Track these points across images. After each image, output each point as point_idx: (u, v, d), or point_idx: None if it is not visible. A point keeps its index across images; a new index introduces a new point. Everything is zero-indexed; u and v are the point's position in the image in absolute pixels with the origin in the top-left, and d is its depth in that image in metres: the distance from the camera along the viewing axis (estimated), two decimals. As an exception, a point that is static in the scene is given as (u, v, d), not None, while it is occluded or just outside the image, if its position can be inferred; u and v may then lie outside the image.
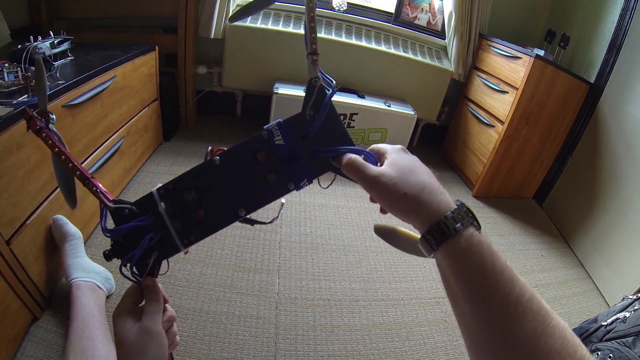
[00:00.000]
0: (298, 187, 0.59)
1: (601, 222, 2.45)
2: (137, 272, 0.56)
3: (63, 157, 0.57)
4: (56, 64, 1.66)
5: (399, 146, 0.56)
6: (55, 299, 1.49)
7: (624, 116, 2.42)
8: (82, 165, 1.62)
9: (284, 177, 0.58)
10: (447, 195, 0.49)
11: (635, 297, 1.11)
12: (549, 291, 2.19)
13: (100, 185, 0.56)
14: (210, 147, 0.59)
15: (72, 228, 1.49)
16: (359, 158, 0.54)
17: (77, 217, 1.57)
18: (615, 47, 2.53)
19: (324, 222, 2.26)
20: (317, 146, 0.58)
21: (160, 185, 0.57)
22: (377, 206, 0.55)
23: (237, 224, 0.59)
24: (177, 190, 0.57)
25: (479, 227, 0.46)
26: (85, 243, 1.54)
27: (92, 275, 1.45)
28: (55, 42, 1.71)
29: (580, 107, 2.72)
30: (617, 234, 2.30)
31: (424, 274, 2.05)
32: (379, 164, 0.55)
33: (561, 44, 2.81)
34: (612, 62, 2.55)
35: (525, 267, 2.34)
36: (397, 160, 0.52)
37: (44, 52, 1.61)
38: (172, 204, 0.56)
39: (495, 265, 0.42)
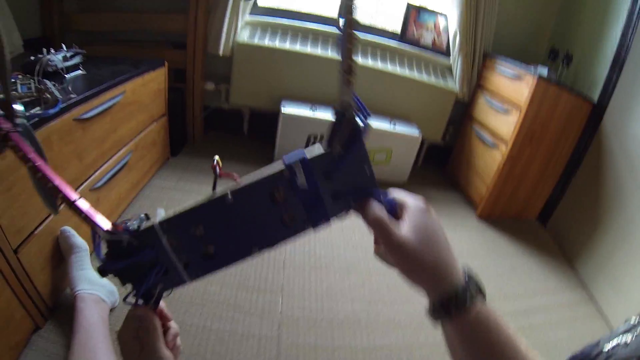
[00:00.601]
0: (316, 228, 0.57)
1: (605, 243, 2.44)
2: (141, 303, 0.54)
3: (39, 174, 0.50)
4: (68, 77, 1.68)
5: (421, 204, 0.55)
6: (59, 309, 1.49)
7: (626, 135, 2.43)
8: (94, 175, 1.65)
9: (301, 217, 0.55)
10: (458, 265, 0.52)
11: (638, 320, 1.10)
12: (551, 314, 2.16)
13: (89, 210, 0.51)
14: (216, 158, 0.56)
15: (79, 240, 1.50)
16: (385, 217, 0.53)
17: (84, 229, 1.57)
18: (617, 64, 2.55)
19: (328, 242, 2.26)
20: (340, 185, 0.55)
21: (164, 215, 0.52)
22: None
23: None
24: (183, 224, 0.53)
25: (484, 297, 0.50)
26: (91, 255, 1.55)
27: (97, 288, 1.45)
28: (68, 55, 1.74)
29: (583, 126, 2.73)
30: (621, 255, 2.29)
31: (419, 299, 2.04)
32: (400, 221, 0.54)
33: (564, 62, 2.83)
34: (614, 80, 2.56)
35: (528, 290, 2.32)
36: (420, 226, 0.53)
37: (56, 65, 1.63)
38: (178, 238, 0.53)
39: (500, 338, 0.47)
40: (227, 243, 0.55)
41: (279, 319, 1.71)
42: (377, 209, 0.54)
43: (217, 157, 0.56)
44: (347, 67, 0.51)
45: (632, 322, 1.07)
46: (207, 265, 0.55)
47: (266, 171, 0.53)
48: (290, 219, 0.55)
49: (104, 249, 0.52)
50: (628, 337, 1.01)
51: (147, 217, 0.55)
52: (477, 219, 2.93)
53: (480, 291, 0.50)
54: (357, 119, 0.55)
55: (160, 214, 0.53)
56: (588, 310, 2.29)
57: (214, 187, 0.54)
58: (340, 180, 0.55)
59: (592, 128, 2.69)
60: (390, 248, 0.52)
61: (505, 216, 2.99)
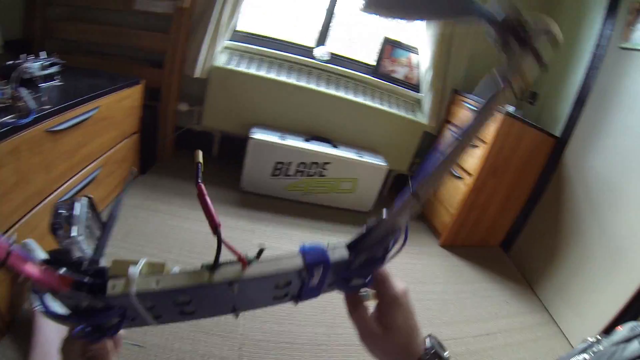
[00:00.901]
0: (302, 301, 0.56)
1: (564, 269, 2.57)
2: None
3: None
4: (44, 86, 1.68)
5: (398, 295, 0.59)
6: (16, 325, 1.45)
7: (586, 168, 2.60)
8: (60, 188, 1.62)
9: (293, 294, 0.55)
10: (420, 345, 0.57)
11: (595, 339, 1.15)
12: (513, 336, 2.23)
13: (30, 269, 0.41)
14: (200, 155, 0.54)
15: (41, 254, 1.47)
16: (364, 319, 0.59)
17: (47, 243, 1.55)
18: (580, 102, 2.75)
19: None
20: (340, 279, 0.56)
21: (141, 282, 0.45)
22: None
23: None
24: (167, 296, 0.47)
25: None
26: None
27: (57, 305, 1.43)
28: (46, 63, 1.73)
29: (546, 159, 2.90)
30: (579, 280, 2.43)
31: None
32: (374, 313, 0.59)
33: (530, 100, 3.03)
34: (576, 117, 2.76)
35: (490, 313, 2.39)
36: (390, 319, 0.57)
37: (33, 73, 1.63)
38: (156, 303, 0.47)
39: None
40: (210, 306, 0.53)
41: (240, 340, 1.70)
42: (361, 311, 0.59)
43: (200, 153, 0.54)
44: (417, 194, 0.53)
45: (589, 341, 1.12)
46: (180, 318, 0.52)
47: (282, 262, 0.51)
48: (282, 295, 0.55)
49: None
50: (586, 356, 1.06)
51: (92, 203, 0.53)
52: (440, 247, 3.01)
53: (443, 350, 0.56)
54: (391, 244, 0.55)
55: (139, 267, 0.47)
56: (549, 331, 2.38)
57: (197, 179, 0.52)
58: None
59: (554, 161, 2.86)
60: (362, 337, 0.58)
61: (468, 244, 3.08)
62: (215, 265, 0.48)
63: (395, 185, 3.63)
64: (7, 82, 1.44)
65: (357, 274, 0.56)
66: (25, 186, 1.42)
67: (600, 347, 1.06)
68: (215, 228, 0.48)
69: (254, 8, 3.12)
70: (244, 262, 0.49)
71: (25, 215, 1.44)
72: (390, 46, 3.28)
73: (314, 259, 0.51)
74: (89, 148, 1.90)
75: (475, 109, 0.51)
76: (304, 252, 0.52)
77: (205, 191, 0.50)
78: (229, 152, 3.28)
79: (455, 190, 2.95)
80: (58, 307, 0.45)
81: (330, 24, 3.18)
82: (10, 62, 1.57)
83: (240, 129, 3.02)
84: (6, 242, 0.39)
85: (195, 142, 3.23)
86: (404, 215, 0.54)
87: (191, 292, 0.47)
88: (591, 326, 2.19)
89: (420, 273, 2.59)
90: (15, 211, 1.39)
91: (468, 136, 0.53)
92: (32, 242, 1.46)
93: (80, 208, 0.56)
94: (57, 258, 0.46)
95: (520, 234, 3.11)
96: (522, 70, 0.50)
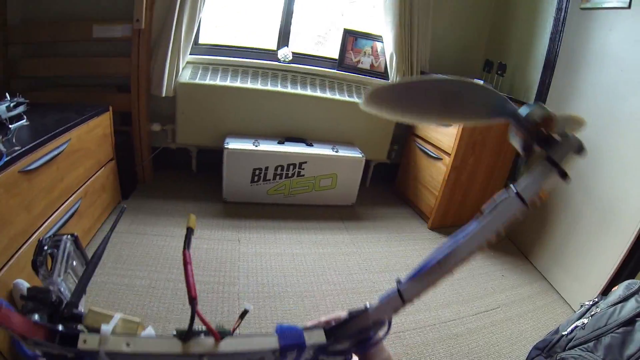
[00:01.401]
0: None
1: (557, 236, 2.63)
2: None
3: None
4: (12, 127, 1.69)
5: None
6: (17, 363, 1.48)
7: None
8: (44, 225, 1.65)
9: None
10: None
11: (592, 302, 1.20)
12: (513, 308, 2.28)
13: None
14: (191, 219, 0.55)
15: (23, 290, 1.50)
16: None
17: (38, 280, 1.58)
18: (549, 68, 2.79)
19: (280, 270, 2.31)
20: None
21: (113, 345, 0.46)
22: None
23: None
24: (135, 359, 0.48)
25: None
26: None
27: (55, 337, 1.46)
28: (11, 105, 1.75)
29: None
30: (572, 244, 2.48)
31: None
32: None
33: (499, 72, 3.05)
34: (547, 83, 2.80)
35: (487, 289, 2.44)
36: None
37: (0, 116, 1.65)
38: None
39: None
40: None
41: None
42: None
43: (193, 218, 0.56)
44: (403, 295, 0.55)
45: (587, 305, 1.18)
46: None
47: (256, 341, 0.53)
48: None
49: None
50: (584, 320, 1.12)
51: (76, 241, 0.57)
52: (429, 230, 3.06)
53: None
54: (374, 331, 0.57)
55: (113, 324, 0.48)
56: (549, 298, 2.45)
57: (186, 245, 0.53)
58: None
59: None
60: None
61: (457, 224, 3.08)
62: (188, 335, 0.49)
63: (376, 175, 3.68)
64: (-25, 129, 1.47)
65: (336, 354, 0.58)
66: (7, 228, 1.44)
67: (598, 310, 1.11)
68: (191, 300, 0.51)
69: (212, 19, 3.14)
70: (217, 336, 0.50)
71: (12, 257, 1.46)
72: (352, 37, 3.32)
73: (289, 341, 0.53)
74: (67, 181, 1.92)
75: (482, 222, 0.54)
76: (280, 333, 0.54)
77: (190, 260, 0.52)
78: (208, 165, 3.30)
79: (437, 172, 3.00)
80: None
81: (290, 24, 3.22)
82: (-24, 109, 1.59)
83: (215, 141, 3.05)
84: None
85: (173, 160, 3.26)
86: (387, 311, 0.56)
87: (161, 359, 0.48)
88: (590, 289, 2.24)
89: (411, 259, 2.63)
90: (2, 254, 1.41)
91: (470, 249, 0.55)
92: (22, 282, 1.50)
93: (63, 247, 0.58)
94: (36, 296, 0.49)
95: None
96: (543, 186, 0.51)
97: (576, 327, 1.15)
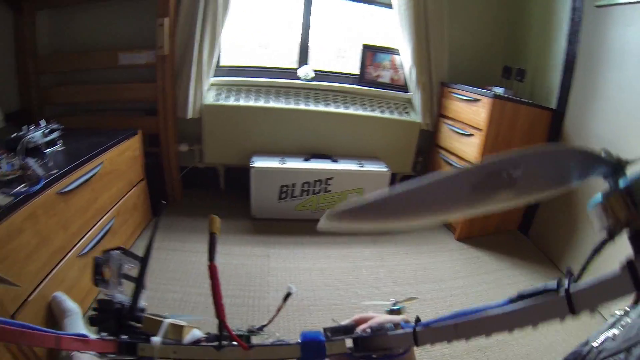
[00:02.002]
0: None
1: (586, 241, 2.53)
2: None
3: None
4: (48, 151, 1.80)
5: None
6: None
7: (587, 134, 2.59)
8: (80, 242, 1.73)
9: None
10: None
11: (622, 312, 1.18)
12: None
13: None
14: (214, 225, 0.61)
15: (70, 304, 1.58)
16: None
17: (75, 293, 1.66)
18: (569, 70, 2.74)
19: (309, 284, 2.33)
20: None
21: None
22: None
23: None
24: None
25: None
26: (83, 316, 1.63)
27: (92, 349, 1.52)
28: (46, 131, 1.86)
29: (546, 133, 2.87)
30: (603, 251, 2.38)
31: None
32: None
33: (518, 78, 3.02)
34: (568, 85, 2.74)
35: (514, 300, 2.39)
36: None
37: (36, 141, 1.75)
38: None
39: None
40: None
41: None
42: None
43: (216, 220, 0.62)
44: (417, 337, 0.58)
45: (617, 315, 1.16)
46: None
47: (280, 351, 0.61)
48: None
49: None
50: (615, 330, 1.10)
51: (125, 252, 0.64)
52: (456, 241, 3.03)
53: None
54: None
55: (162, 331, 0.60)
56: None
57: (211, 256, 0.60)
58: None
59: (555, 133, 2.84)
60: None
61: (485, 233, 3.09)
62: (220, 345, 0.58)
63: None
64: (15, 154, 1.57)
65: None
66: (47, 245, 1.54)
67: (628, 320, 1.09)
68: (220, 318, 0.58)
69: (232, 42, 3.25)
70: (244, 346, 0.58)
71: (51, 271, 1.56)
72: (371, 52, 3.37)
73: (310, 355, 0.59)
74: (100, 202, 2.02)
75: (514, 308, 0.46)
76: (303, 343, 0.60)
77: (217, 274, 0.59)
78: (236, 183, 3.37)
79: (462, 182, 2.96)
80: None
81: (308, 41, 3.30)
82: (14, 134, 1.70)
83: (241, 159, 3.11)
84: (53, 333, 0.52)
85: (201, 179, 3.36)
86: (400, 344, 0.60)
87: None
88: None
89: (440, 271, 2.61)
90: (42, 269, 1.50)
91: (489, 329, 0.50)
92: (61, 295, 1.58)
93: (114, 261, 0.67)
94: (102, 308, 0.59)
95: (536, 213, 3.07)
96: (607, 301, 0.41)
97: (607, 338, 1.12)
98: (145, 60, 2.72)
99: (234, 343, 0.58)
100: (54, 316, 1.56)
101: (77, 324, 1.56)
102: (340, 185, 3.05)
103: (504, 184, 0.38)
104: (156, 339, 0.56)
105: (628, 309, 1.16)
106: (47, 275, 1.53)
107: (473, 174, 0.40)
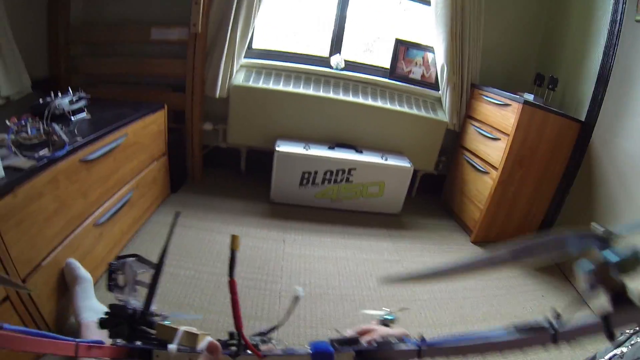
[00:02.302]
0: None
1: None
2: None
3: None
4: (74, 119, 1.80)
5: None
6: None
7: (615, 150, 2.51)
8: (98, 211, 1.74)
9: None
10: None
11: (632, 331, 1.15)
12: None
13: None
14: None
15: (83, 272, 1.59)
16: None
17: (88, 261, 1.67)
18: (602, 83, 2.65)
19: (323, 273, 2.33)
20: None
21: None
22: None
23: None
24: None
25: None
26: (94, 285, 1.64)
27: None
28: (74, 99, 1.86)
29: (573, 145, 2.80)
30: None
31: (420, 321, 2.10)
32: None
33: (550, 86, 2.94)
34: (600, 98, 2.66)
35: (525, 308, 2.36)
36: None
37: (63, 108, 1.76)
38: None
39: None
40: None
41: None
42: None
43: (237, 239, 0.58)
44: (421, 352, 0.59)
45: (627, 334, 1.13)
46: None
47: None
48: None
49: None
50: (623, 349, 1.08)
51: (140, 260, 0.66)
52: (471, 244, 3.00)
53: None
54: None
55: (177, 339, 0.57)
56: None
57: (230, 272, 0.57)
58: None
59: (582, 146, 2.77)
60: None
61: (501, 239, 3.02)
62: (237, 353, 0.58)
63: (422, 185, 3.65)
64: (41, 119, 1.57)
65: None
66: (65, 212, 1.54)
67: (638, 340, 1.07)
68: (238, 329, 0.57)
69: (266, 25, 3.23)
70: (259, 355, 0.58)
71: (67, 237, 1.57)
72: (404, 47, 3.32)
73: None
74: (121, 173, 2.03)
75: (508, 335, 0.54)
76: (314, 354, 0.59)
77: (236, 290, 0.57)
78: (257, 165, 3.38)
79: (483, 185, 2.94)
80: None
81: (342, 31, 3.26)
82: (42, 100, 1.70)
83: (265, 142, 3.12)
84: (72, 341, 0.53)
85: (222, 159, 3.37)
86: (404, 358, 0.61)
87: None
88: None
89: (453, 271, 2.58)
90: (58, 235, 1.51)
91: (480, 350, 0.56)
92: (74, 262, 1.59)
93: (128, 268, 0.67)
94: (115, 313, 0.58)
95: (554, 223, 3.01)
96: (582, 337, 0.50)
97: (614, 355, 1.10)
98: (177, 37, 2.71)
99: (248, 352, 0.58)
100: (65, 282, 1.57)
101: (89, 292, 1.58)
102: (362, 176, 3.03)
103: (519, 261, 0.51)
104: (172, 346, 0.55)
105: (638, 329, 1.12)
106: (62, 241, 1.54)
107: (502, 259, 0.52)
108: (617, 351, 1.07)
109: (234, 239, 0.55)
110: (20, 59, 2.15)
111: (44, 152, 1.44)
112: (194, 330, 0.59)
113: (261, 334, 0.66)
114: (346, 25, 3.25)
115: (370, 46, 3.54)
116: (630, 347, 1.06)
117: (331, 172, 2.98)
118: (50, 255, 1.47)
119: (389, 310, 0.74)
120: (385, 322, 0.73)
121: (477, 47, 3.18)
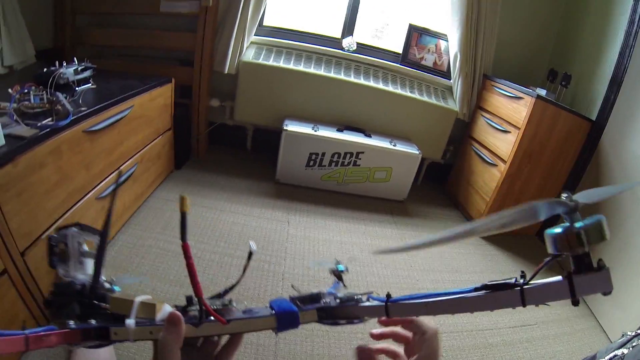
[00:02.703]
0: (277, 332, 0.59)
1: (604, 259, 2.44)
2: None
3: None
4: (79, 89, 1.75)
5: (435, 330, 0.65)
6: None
7: (625, 152, 2.47)
8: (101, 184, 1.70)
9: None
10: None
11: (634, 333, 1.13)
12: (550, 328, 2.18)
13: None
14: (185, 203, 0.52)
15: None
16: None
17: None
18: (615, 83, 2.61)
19: (326, 256, 2.31)
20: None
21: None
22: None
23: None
24: None
25: None
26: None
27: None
28: (79, 68, 1.81)
29: (582, 143, 2.77)
30: (619, 270, 2.30)
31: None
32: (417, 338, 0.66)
33: (563, 83, 2.89)
34: (612, 99, 2.62)
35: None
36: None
37: (68, 78, 1.70)
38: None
39: None
40: None
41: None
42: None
43: (186, 200, 0.52)
44: (389, 310, 0.58)
45: (628, 336, 1.11)
46: None
47: (256, 323, 0.57)
48: None
49: None
50: (625, 350, 1.05)
51: (82, 228, 0.59)
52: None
53: None
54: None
55: (134, 312, 0.51)
56: (587, 324, 2.31)
57: (182, 235, 0.52)
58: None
59: (591, 145, 2.74)
60: None
61: (504, 233, 2.99)
62: (200, 322, 0.53)
63: (428, 173, 3.60)
64: (45, 88, 1.52)
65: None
66: (67, 183, 1.50)
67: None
68: (197, 295, 0.53)
69: (279, 2, 3.16)
70: (223, 321, 0.54)
71: (68, 210, 1.52)
72: (417, 33, 3.25)
73: (284, 324, 0.57)
74: (126, 146, 1.98)
75: (478, 294, 0.55)
76: (278, 313, 0.57)
77: (190, 252, 0.52)
78: (263, 144, 3.34)
79: (490, 178, 2.90)
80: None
81: (356, 13, 3.18)
82: (46, 69, 1.65)
83: (273, 121, 3.07)
84: (21, 334, 0.45)
85: (228, 136, 3.32)
86: (370, 314, 0.61)
87: None
88: (631, 319, 2.10)
89: (456, 262, 2.57)
90: (59, 207, 1.47)
91: (453, 309, 0.56)
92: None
93: (71, 240, 0.60)
94: (61, 291, 0.53)
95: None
96: (548, 301, 0.51)
97: (615, 356, 1.07)
98: (188, 10, 2.64)
99: (212, 318, 0.54)
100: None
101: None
102: (370, 160, 2.99)
103: (497, 228, 0.51)
104: (130, 321, 0.49)
105: (639, 332, 1.09)
106: (63, 214, 1.50)
107: (484, 227, 0.52)
108: (618, 352, 1.05)
109: (183, 200, 0.50)
110: (24, 27, 2.09)
111: (47, 121, 1.40)
112: (149, 299, 0.54)
113: (218, 295, 0.61)
114: (360, 6, 3.17)
115: (379, 32, 3.46)
116: (631, 348, 1.03)
117: (339, 155, 2.93)
118: (50, 228, 1.43)
119: (336, 260, 0.73)
120: (336, 273, 0.72)
121: (492, 37, 3.12)
